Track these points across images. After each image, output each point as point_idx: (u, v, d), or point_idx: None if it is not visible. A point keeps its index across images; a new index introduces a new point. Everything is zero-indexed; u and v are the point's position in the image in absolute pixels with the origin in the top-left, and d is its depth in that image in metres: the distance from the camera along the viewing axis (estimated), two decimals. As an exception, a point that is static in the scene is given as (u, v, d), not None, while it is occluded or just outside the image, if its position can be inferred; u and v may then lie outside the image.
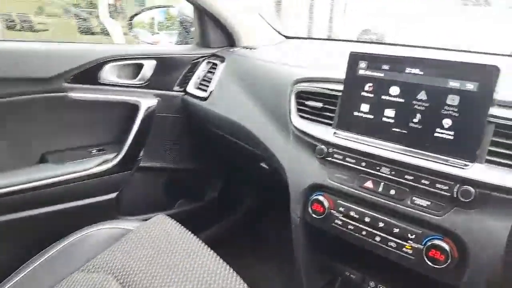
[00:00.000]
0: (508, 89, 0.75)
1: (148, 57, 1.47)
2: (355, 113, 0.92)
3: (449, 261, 0.76)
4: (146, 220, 1.09)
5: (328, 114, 1.00)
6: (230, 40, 1.64)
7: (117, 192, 1.42)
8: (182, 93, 1.58)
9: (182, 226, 1.04)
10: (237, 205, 1.93)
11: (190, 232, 1.01)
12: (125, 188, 1.44)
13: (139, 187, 1.52)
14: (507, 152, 0.73)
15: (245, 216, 1.93)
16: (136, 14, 1.92)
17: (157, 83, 1.49)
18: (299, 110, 1.07)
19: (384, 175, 0.86)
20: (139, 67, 1.45)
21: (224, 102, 1.39)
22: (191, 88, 1.56)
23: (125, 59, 1.43)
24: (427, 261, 0.78)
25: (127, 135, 1.40)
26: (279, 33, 1.76)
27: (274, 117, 1.16)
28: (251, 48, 1.55)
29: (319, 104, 1.01)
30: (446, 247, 0.76)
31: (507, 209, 0.71)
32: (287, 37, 1.76)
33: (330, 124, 0.99)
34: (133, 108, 1.43)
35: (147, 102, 1.44)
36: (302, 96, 1.07)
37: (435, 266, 0.77)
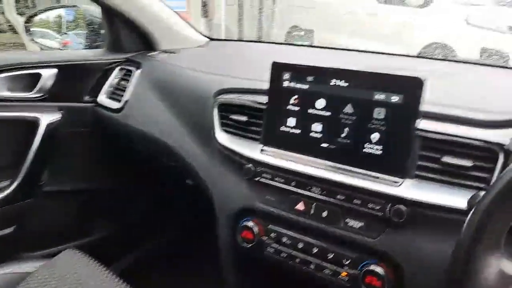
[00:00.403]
0: (435, 98, 0.72)
1: (48, 65, 1.26)
2: (282, 128, 0.84)
3: (386, 286, 0.71)
4: (56, 254, 0.92)
5: (254, 128, 0.92)
6: (146, 43, 1.48)
7: (15, 226, 1.20)
8: (92, 105, 1.39)
9: (93, 260, 0.89)
10: (162, 229, 1.76)
11: (102, 266, 0.87)
12: (27, 219, 1.23)
13: (45, 216, 1.31)
14: (437, 166, 0.70)
15: (171, 242, 1.76)
16: (35, 14, 1.68)
17: (60, 94, 1.29)
18: (223, 124, 0.97)
19: (315, 195, 0.80)
20: (36, 77, 1.24)
21: (140, 114, 1.24)
22: (102, 98, 1.38)
23: (19, 68, 1.22)
24: (363, 287, 0.73)
25: (24, 157, 1.19)
26: (202, 34, 1.64)
27: (197, 132, 1.05)
28: (170, 52, 1.42)
29: (244, 118, 0.92)
30: (381, 272, 0.72)
31: (441, 228, 0.68)
32: (211, 39, 1.64)
33: (257, 140, 0.90)
34: (31, 125, 1.22)
35: (47, 117, 1.24)
36: (225, 109, 0.97)
37: None
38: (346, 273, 0.77)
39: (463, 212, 0.66)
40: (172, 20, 1.52)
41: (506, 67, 1.13)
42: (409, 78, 0.69)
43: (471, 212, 0.49)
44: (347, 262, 0.77)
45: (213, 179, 0.98)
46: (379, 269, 0.72)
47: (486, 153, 0.67)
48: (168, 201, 1.66)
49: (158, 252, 1.68)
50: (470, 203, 0.60)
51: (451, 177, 0.70)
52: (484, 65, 1.17)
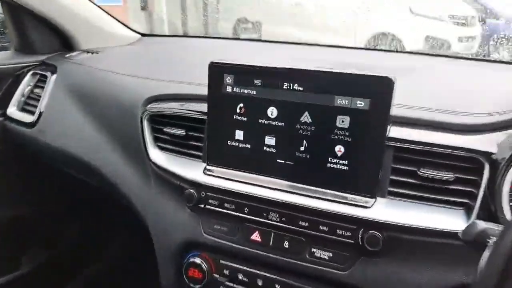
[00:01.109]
0: (403, 98, 0.61)
1: None
2: (229, 143, 0.69)
3: (362, 327, 0.60)
4: None
5: (195, 143, 0.76)
6: (64, 42, 1.25)
7: None
8: (1, 119, 1.15)
9: None
10: (99, 256, 1.53)
11: None
12: None
13: None
14: (413, 181, 0.60)
15: (110, 269, 1.54)
16: None
17: None
18: (156, 139, 0.80)
19: (273, 222, 0.66)
20: None
21: (58, 128, 1.03)
22: (13, 110, 1.14)
23: None
24: None
25: None
26: (133, 30, 1.43)
27: (125, 149, 0.87)
28: (92, 52, 1.21)
29: (181, 131, 0.76)
30: None
31: (424, 255, 0.58)
32: (143, 35, 1.44)
33: (199, 158, 0.75)
34: None
35: None
36: (158, 120, 0.80)
37: None
38: None
39: (449, 235, 0.55)
40: (95, 15, 1.30)
41: (478, 59, 1.06)
42: (376, 78, 0.57)
43: (490, 253, 0.39)
44: None
45: (148, 206, 0.81)
46: None
47: (470, 163, 0.57)
48: (104, 225, 1.45)
49: (96, 280, 1.46)
50: (469, 234, 0.49)
51: (431, 193, 0.59)
52: (452, 58, 1.09)
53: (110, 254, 1.50)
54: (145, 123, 0.80)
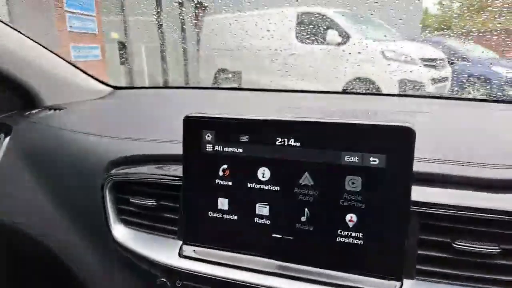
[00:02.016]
0: (417, 152, 0.49)
1: None
2: (211, 214, 0.56)
3: None
4: None
5: (168, 216, 0.62)
6: (24, 98, 1.12)
7: None
8: None
9: None
10: None
11: None
12: None
13: None
14: (445, 255, 0.47)
15: None
16: None
17: None
18: (121, 212, 0.65)
19: (271, 317, 0.51)
20: None
21: (7, 200, 0.86)
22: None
23: None
24: None
25: None
26: (104, 83, 1.32)
27: (85, 226, 0.71)
28: (56, 109, 1.07)
29: (151, 202, 0.62)
30: None
31: None
32: (115, 88, 1.33)
33: (173, 234, 0.60)
34: None
35: None
36: (123, 189, 0.66)
37: None
38: None
39: None
40: (61, 69, 1.19)
41: (481, 100, 0.98)
42: (393, 129, 0.46)
43: None
44: None
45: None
46: None
47: None
48: None
49: None
50: None
51: (471, 270, 0.46)
52: (451, 99, 1.01)
53: None
54: (107, 192, 0.66)
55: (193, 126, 0.56)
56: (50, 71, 1.15)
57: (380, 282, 0.47)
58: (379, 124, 0.47)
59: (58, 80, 1.17)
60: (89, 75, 1.30)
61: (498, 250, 0.45)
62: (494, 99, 0.99)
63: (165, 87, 1.60)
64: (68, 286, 0.74)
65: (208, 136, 0.55)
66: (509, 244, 0.45)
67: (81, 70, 1.27)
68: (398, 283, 0.47)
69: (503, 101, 0.93)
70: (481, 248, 0.45)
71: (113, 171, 0.66)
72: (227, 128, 0.54)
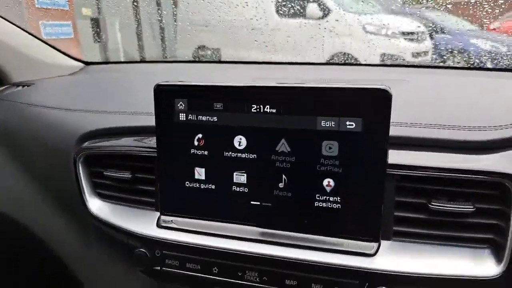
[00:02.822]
0: (397, 115, 0.49)
1: None
2: (188, 184, 0.55)
3: None
4: None
5: (144, 188, 0.60)
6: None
7: None
8: None
9: None
10: None
11: None
12: None
13: None
14: (421, 216, 0.47)
15: None
16: None
17: None
18: (96, 186, 0.64)
19: (251, 283, 0.51)
20: None
21: None
22: None
23: None
24: None
25: None
26: (74, 59, 1.26)
27: (59, 201, 0.69)
28: (24, 85, 1.03)
29: (126, 174, 0.60)
30: None
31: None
32: (87, 63, 1.28)
33: (150, 206, 0.59)
34: None
35: None
36: (97, 162, 0.64)
37: None
38: None
39: (479, 283, 0.43)
40: (29, 44, 1.13)
41: (454, 67, 0.99)
42: (369, 92, 0.46)
43: None
44: None
45: (89, 273, 0.64)
46: None
47: (492, 190, 0.46)
48: None
49: None
50: None
51: (447, 230, 0.47)
52: (432, 67, 1.01)
53: None
54: (80, 166, 0.64)
55: (165, 95, 0.54)
56: (17, 46, 1.10)
57: (358, 244, 0.48)
58: (355, 87, 0.46)
59: (26, 56, 1.12)
60: (59, 50, 1.25)
61: (472, 209, 0.45)
62: (472, 66, 1.00)
63: (141, 61, 1.55)
64: (51, 266, 0.73)
65: (181, 105, 0.53)
66: (483, 203, 0.46)
67: (51, 46, 1.21)
68: (375, 244, 0.47)
69: (480, 68, 0.94)
70: (456, 207, 0.46)
71: (85, 144, 0.64)
72: (200, 96, 0.53)
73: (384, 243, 0.48)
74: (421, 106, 0.61)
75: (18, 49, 1.10)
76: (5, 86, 1.04)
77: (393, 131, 0.47)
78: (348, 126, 0.47)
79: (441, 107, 0.61)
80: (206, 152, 0.53)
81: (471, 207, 0.45)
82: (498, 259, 0.44)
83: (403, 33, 3.13)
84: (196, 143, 0.53)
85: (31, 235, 0.72)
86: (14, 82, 1.07)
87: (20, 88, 1.02)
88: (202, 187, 0.54)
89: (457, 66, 1.17)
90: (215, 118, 0.52)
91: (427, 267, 0.45)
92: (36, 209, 0.71)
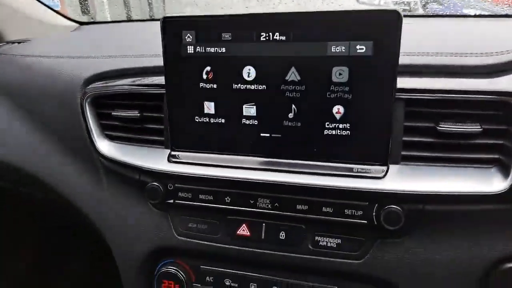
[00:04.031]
0: (406, 47, 0.49)
1: None
2: (197, 119, 0.55)
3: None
4: None
5: (153, 126, 0.61)
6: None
7: None
8: None
9: None
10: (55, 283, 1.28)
11: None
12: None
13: None
14: (429, 140, 0.49)
15: None
16: None
17: None
18: (104, 127, 0.64)
19: (264, 211, 0.53)
20: None
21: None
22: None
23: None
24: None
25: None
26: (69, 19, 1.23)
27: (68, 146, 0.70)
28: (20, 42, 1.00)
29: (135, 113, 0.61)
30: None
31: (451, 226, 0.47)
32: (81, 24, 1.25)
33: (160, 143, 0.60)
34: None
35: None
36: (104, 103, 0.64)
37: None
38: None
39: (485, 199, 0.45)
40: (24, 3, 1.10)
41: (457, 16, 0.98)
42: (379, 14, 0.45)
43: None
44: None
45: (102, 213, 0.65)
46: None
47: (498, 110, 0.47)
48: (57, 247, 1.23)
49: None
50: None
51: (454, 152, 0.48)
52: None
53: (70, 280, 1.28)
54: (87, 108, 0.63)
55: (172, 28, 0.53)
56: (12, 5, 1.07)
57: (367, 168, 0.49)
58: (366, 10, 0.46)
59: (21, 15, 1.09)
60: (53, 10, 1.22)
61: (479, 130, 0.47)
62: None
63: (136, 19, 1.52)
64: (60, 210, 0.74)
65: (188, 37, 0.53)
66: (490, 124, 0.47)
67: (46, 5, 1.18)
68: (384, 168, 0.49)
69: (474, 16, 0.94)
70: (464, 128, 0.47)
71: (90, 86, 0.64)
72: (208, 27, 0.52)
73: (392, 167, 0.49)
74: (423, 41, 0.61)
75: (12, 7, 1.07)
76: (2, 43, 1.02)
77: (401, 59, 0.47)
78: (358, 50, 0.47)
79: (442, 42, 0.61)
80: (215, 85, 0.53)
81: (479, 127, 0.47)
82: (504, 176, 0.46)
83: (396, 3, 3.10)
84: (204, 76, 0.53)
85: (42, 183, 0.73)
86: (9, 40, 1.05)
87: (16, 45, 1.00)
88: (212, 121, 0.55)
89: (452, 14, 1.16)
90: (223, 49, 0.52)
91: (435, 186, 0.47)
92: (46, 157, 0.71)
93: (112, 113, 0.62)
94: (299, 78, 0.50)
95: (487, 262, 0.47)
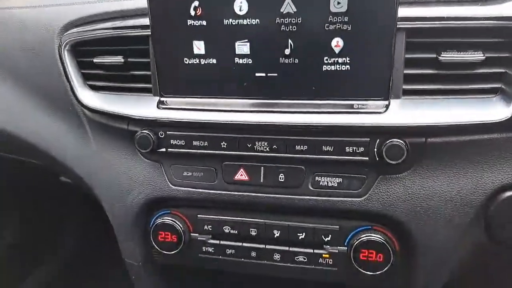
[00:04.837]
0: None
1: None
2: (187, 61, 0.52)
3: (392, 259, 0.49)
4: None
5: (139, 73, 0.57)
6: None
7: None
8: None
9: None
10: (51, 250, 1.27)
11: None
12: None
13: None
14: (431, 71, 0.47)
15: (65, 266, 1.26)
16: None
17: None
18: (87, 77, 0.60)
19: (262, 154, 0.51)
20: None
21: None
22: None
23: None
24: (358, 268, 0.50)
25: None
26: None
27: (49, 101, 0.65)
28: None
29: (119, 59, 0.56)
30: (380, 239, 0.49)
31: (454, 157, 0.47)
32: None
33: (148, 90, 0.56)
34: None
35: None
36: (83, 52, 0.59)
37: (372, 273, 0.49)
38: (328, 254, 0.52)
39: (487, 128, 0.44)
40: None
41: None
42: None
43: None
44: (328, 239, 0.52)
45: (90, 168, 0.62)
46: (378, 236, 0.49)
47: (501, 37, 0.45)
48: (51, 206, 1.19)
49: (51, 280, 1.22)
50: None
51: (455, 83, 0.47)
52: None
53: (64, 247, 1.26)
54: (66, 57, 0.59)
55: (155, -42, 0.48)
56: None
57: (367, 103, 0.47)
58: None
59: None
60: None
61: (482, 57, 0.45)
62: None
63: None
64: (48, 170, 0.71)
65: (174, -31, 0.49)
66: (493, 52, 0.46)
67: None
68: (385, 102, 0.47)
69: None
70: (466, 57, 0.45)
71: (68, 32, 0.59)
72: None
73: (394, 102, 0.48)
74: None
75: None
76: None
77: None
78: (358, -24, 0.44)
79: None
80: (204, 22, 0.50)
81: (481, 55, 0.45)
82: (507, 104, 0.45)
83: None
84: (192, 12, 0.50)
85: (26, 143, 0.68)
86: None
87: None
88: (203, 62, 0.51)
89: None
90: (212, -19, 0.48)
91: (437, 118, 0.46)
92: (27, 116, 0.67)
93: (94, 60, 0.57)
94: (295, 9, 0.47)
95: (489, 191, 0.47)
